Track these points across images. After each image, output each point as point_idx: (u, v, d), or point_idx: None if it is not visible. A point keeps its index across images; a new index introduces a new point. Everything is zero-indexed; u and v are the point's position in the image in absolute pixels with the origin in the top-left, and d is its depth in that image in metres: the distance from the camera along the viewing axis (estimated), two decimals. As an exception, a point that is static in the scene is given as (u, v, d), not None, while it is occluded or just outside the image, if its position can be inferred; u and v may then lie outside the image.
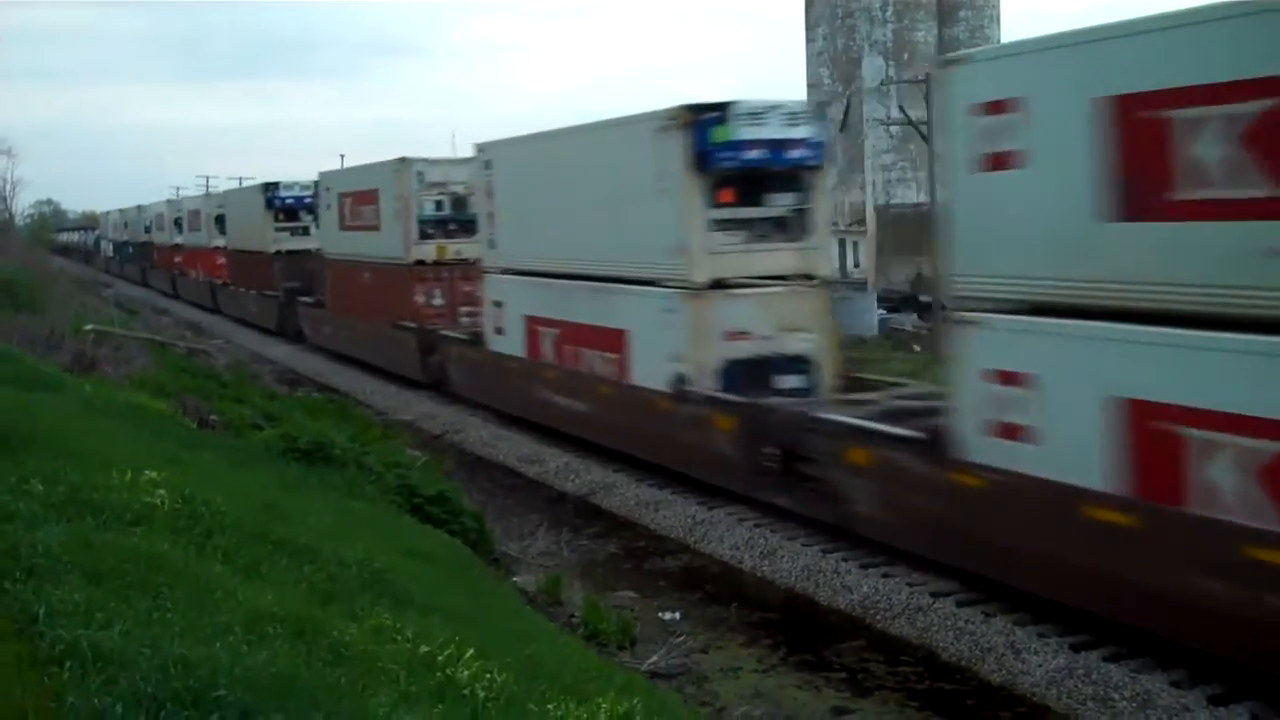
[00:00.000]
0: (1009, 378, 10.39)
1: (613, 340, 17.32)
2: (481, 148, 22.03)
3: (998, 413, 10.49)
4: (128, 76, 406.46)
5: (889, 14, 59.64)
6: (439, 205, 25.76)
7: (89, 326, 22.78)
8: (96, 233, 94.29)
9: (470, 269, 24.36)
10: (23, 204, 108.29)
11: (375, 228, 27.44)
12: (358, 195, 28.83)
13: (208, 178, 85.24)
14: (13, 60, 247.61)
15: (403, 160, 25.92)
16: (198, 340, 34.36)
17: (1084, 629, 10.29)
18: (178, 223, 54.36)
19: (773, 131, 15.32)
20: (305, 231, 37.50)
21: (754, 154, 15.24)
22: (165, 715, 3.87)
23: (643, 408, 16.41)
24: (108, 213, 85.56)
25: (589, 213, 17.93)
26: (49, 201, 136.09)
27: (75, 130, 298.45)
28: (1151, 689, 9.28)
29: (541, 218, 19.59)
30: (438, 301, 25.63)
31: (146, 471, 7.70)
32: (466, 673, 5.56)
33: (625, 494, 16.60)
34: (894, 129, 52.94)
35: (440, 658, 5.70)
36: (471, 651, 5.84)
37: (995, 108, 10.33)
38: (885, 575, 12.27)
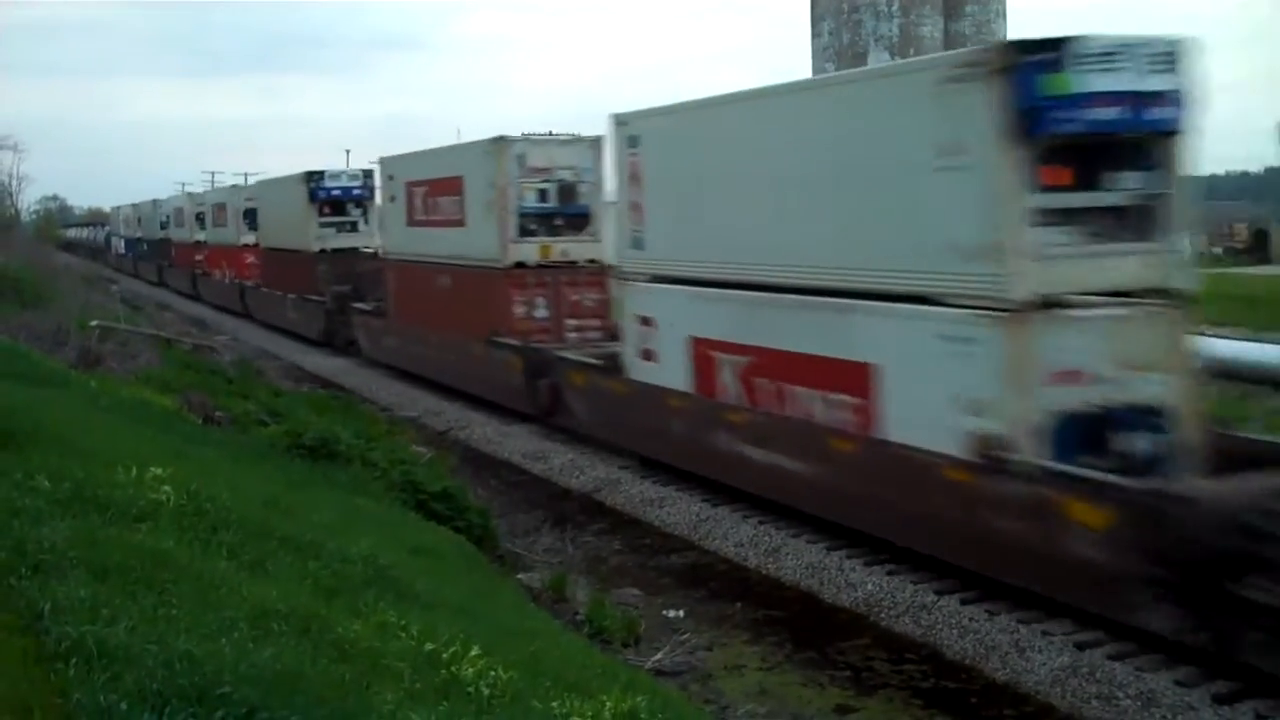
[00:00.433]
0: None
1: (849, 378, 12.54)
2: (623, 120, 16.98)
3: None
4: (132, 72, 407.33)
5: (895, 9, 59.39)
6: (542, 195, 21.24)
7: (94, 322, 22.79)
8: (106, 229, 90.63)
9: (579, 274, 21.12)
10: (28, 200, 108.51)
11: (458, 222, 22.93)
12: (434, 184, 24.27)
13: (213, 173, 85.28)
14: (17, 55, 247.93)
15: (498, 140, 21.25)
16: (203, 336, 34.18)
17: (1089, 627, 10.30)
18: (199, 218, 50.16)
19: (1130, 81, 10.72)
20: (353, 228, 33.47)
21: (1105, 113, 10.65)
22: (170, 711, 3.88)
23: (913, 477, 11.69)
24: (118, 207, 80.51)
25: (808, 201, 13.18)
26: (55, 197, 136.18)
27: (80, 126, 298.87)
28: (1155, 687, 9.29)
29: (722, 209, 14.70)
30: (541, 313, 21.13)
31: (152, 468, 7.71)
32: (471, 670, 5.57)
33: (630, 491, 16.61)
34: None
35: (445, 655, 5.71)
36: (476, 648, 5.85)
37: None
38: (890, 573, 12.26)
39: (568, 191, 21.29)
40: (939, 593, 11.62)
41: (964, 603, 11.32)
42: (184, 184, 78.86)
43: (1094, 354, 10.82)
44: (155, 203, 63.63)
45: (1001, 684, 10.04)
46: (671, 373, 15.81)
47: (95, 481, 7.08)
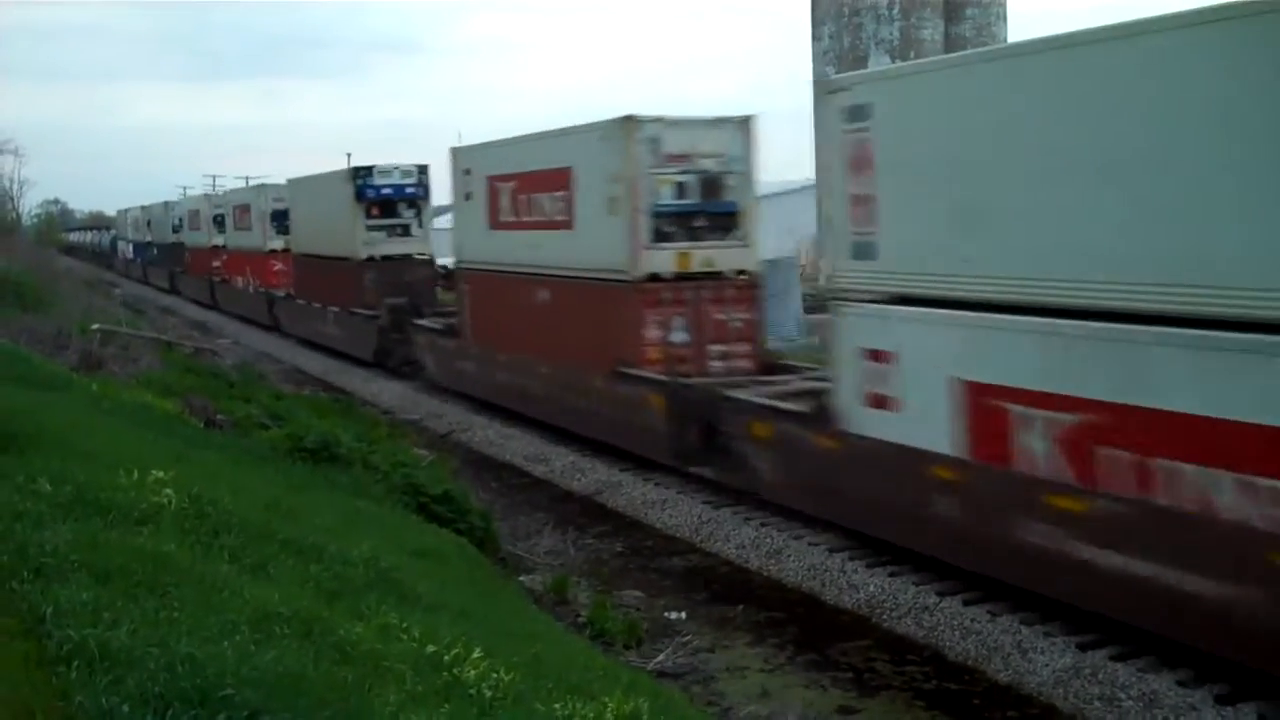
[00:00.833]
0: None
1: None
2: (841, 85, 12.82)
3: None
4: (132, 76, 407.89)
5: (895, 12, 59.51)
6: (680, 190, 17.23)
7: (96, 326, 22.78)
8: (113, 233, 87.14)
9: (725, 287, 17.28)
10: (29, 204, 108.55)
11: (562, 224, 18.85)
12: (528, 178, 20.10)
13: (214, 177, 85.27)
14: (17, 59, 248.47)
15: (625, 121, 17.10)
16: (204, 339, 34.13)
17: (1091, 628, 10.29)
18: (218, 220, 46.20)
19: None
20: (405, 231, 29.67)
21: None
22: (173, 714, 3.88)
23: None
24: (126, 210, 76.32)
25: (1211, 190, 8.73)
26: (56, 201, 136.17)
27: (80, 130, 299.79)
28: (1158, 688, 9.28)
29: (1035, 203, 10.22)
30: (680, 337, 17.09)
31: (153, 471, 7.71)
32: (473, 672, 5.57)
33: (632, 493, 16.60)
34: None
35: (447, 657, 5.72)
36: (478, 651, 5.85)
37: None
38: (892, 574, 12.26)
39: (712, 185, 17.29)
40: (941, 594, 11.61)
41: (966, 604, 11.32)
42: (185, 188, 78.84)
43: None
44: (167, 204, 60.92)
45: (1004, 685, 10.03)
46: (924, 428, 11.48)
47: (97, 485, 7.08)
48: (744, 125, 17.40)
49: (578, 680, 6.47)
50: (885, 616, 11.61)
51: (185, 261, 53.47)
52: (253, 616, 5.32)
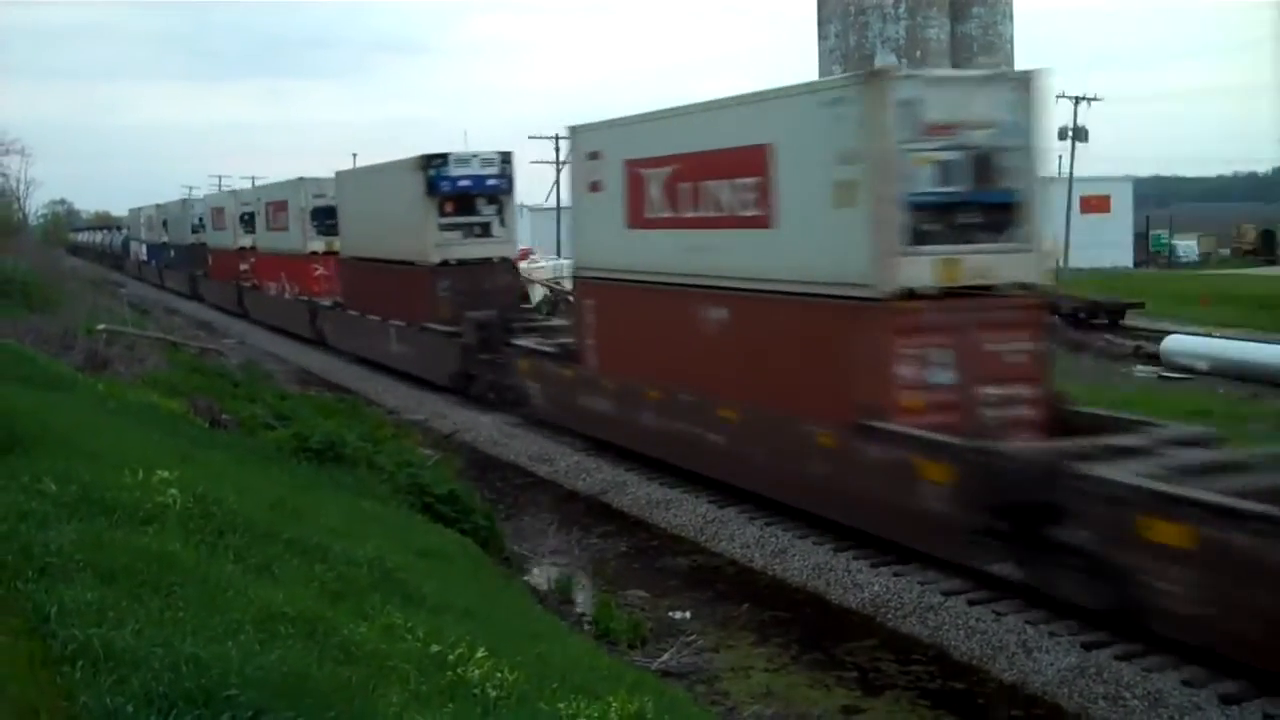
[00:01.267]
0: None
1: None
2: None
3: None
4: (136, 76, 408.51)
5: (901, 11, 59.50)
6: (944, 172, 12.42)
7: (101, 326, 22.82)
8: (124, 233, 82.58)
9: (1000, 307, 12.54)
10: (35, 204, 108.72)
11: (754, 221, 14.32)
12: (695, 161, 15.58)
13: (220, 177, 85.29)
14: (22, 59, 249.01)
15: (872, 76, 13.25)
16: (210, 339, 34.07)
17: (1096, 628, 10.28)
18: (246, 219, 41.69)
19: None
20: (485, 230, 25.21)
21: None
22: (177, 714, 3.89)
23: None
24: (139, 209, 71.01)
25: None
26: (63, 201, 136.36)
27: (84, 130, 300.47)
28: (1163, 687, 9.27)
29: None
30: (942, 379, 12.25)
31: (158, 471, 7.73)
32: (477, 671, 5.58)
33: (636, 493, 16.60)
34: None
35: (451, 656, 5.72)
36: (482, 650, 5.86)
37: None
38: (896, 574, 12.25)
39: (985, 165, 12.54)
40: (946, 593, 11.60)
41: (971, 603, 11.30)
42: (190, 188, 78.80)
43: None
44: (185, 202, 57.08)
45: (1009, 685, 10.03)
46: None
47: (102, 485, 7.10)
48: (1024, 83, 12.88)
49: (582, 680, 6.48)
50: (890, 616, 11.60)
51: (207, 264, 48.55)
52: (257, 616, 5.33)
